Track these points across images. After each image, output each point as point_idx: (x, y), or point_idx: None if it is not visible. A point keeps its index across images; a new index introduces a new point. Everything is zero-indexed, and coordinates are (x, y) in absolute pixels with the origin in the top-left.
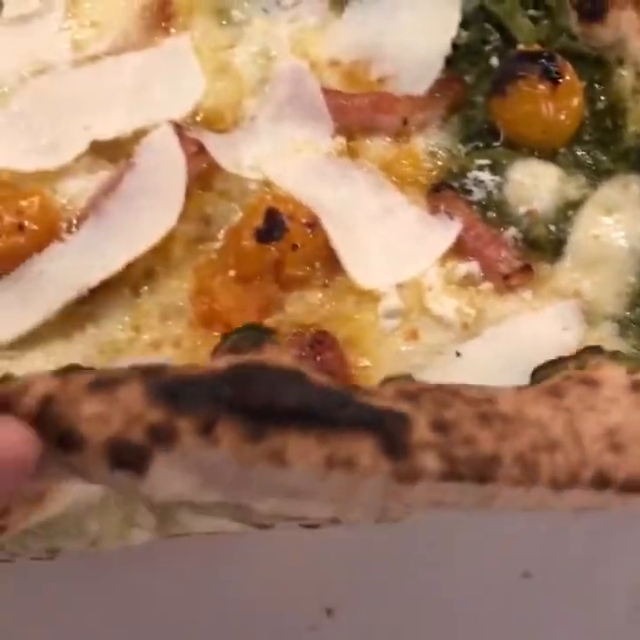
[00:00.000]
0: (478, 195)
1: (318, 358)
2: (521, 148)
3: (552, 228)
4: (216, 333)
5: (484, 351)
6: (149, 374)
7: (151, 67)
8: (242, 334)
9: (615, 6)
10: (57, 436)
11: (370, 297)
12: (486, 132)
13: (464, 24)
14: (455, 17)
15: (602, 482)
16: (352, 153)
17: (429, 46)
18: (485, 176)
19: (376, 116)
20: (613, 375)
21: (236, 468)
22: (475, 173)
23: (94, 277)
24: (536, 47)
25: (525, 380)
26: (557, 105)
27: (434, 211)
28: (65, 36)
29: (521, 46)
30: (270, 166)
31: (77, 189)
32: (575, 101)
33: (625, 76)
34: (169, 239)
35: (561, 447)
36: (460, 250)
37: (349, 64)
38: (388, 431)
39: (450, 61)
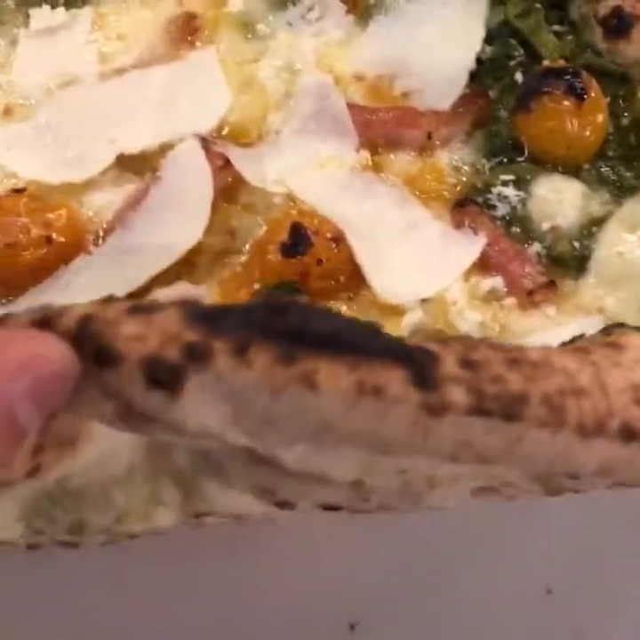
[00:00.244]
0: (502, 210)
1: None
2: (545, 163)
3: (576, 244)
4: None
5: None
6: (186, 304)
7: (177, 80)
8: (276, 288)
9: None
10: (94, 353)
11: (394, 311)
12: (510, 147)
13: (488, 39)
14: (480, 32)
15: (628, 434)
16: (376, 167)
17: (454, 61)
18: (509, 191)
19: (400, 131)
20: (639, 342)
21: (266, 397)
22: (499, 189)
23: (121, 290)
24: (561, 63)
25: None
26: (582, 121)
27: (458, 226)
28: (91, 49)
29: (546, 62)
30: (295, 180)
31: (104, 202)
32: (600, 118)
33: None
34: (194, 252)
35: (587, 395)
36: (484, 265)
37: (374, 78)
38: (418, 363)
39: (474, 76)
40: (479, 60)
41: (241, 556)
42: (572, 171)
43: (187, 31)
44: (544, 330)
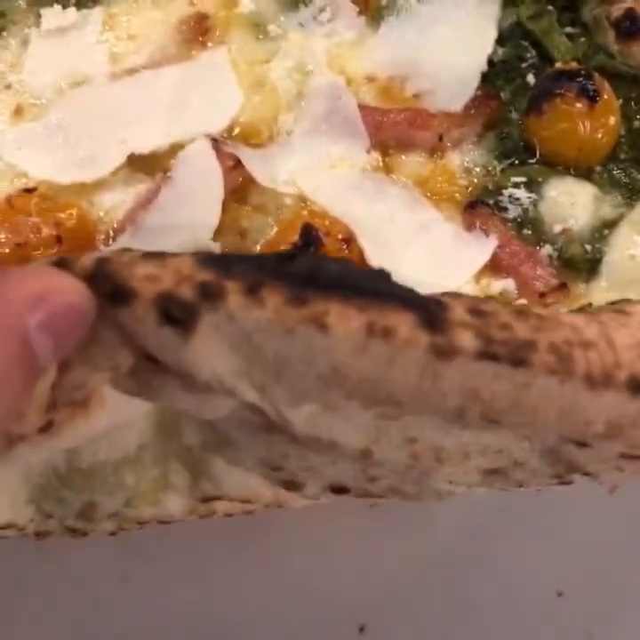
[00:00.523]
0: (514, 212)
1: None
2: (557, 165)
3: (588, 246)
4: None
5: None
6: (199, 252)
7: (188, 81)
8: None
9: None
10: (109, 292)
11: None
12: (522, 149)
13: (500, 41)
14: (492, 33)
15: (636, 386)
16: (387, 169)
17: (466, 63)
18: (521, 193)
19: (412, 132)
20: None
21: (277, 339)
22: (510, 190)
23: None
24: (573, 65)
25: None
26: (594, 123)
27: (469, 227)
28: (102, 49)
29: (558, 64)
30: (306, 181)
31: (114, 202)
32: (612, 120)
33: None
34: None
35: (595, 347)
36: (495, 267)
37: (385, 80)
38: (427, 308)
39: (486, 78)
40: (491, 62)
41: (250, 556)
42: (584, 173)
43: (198, 31)
44: None
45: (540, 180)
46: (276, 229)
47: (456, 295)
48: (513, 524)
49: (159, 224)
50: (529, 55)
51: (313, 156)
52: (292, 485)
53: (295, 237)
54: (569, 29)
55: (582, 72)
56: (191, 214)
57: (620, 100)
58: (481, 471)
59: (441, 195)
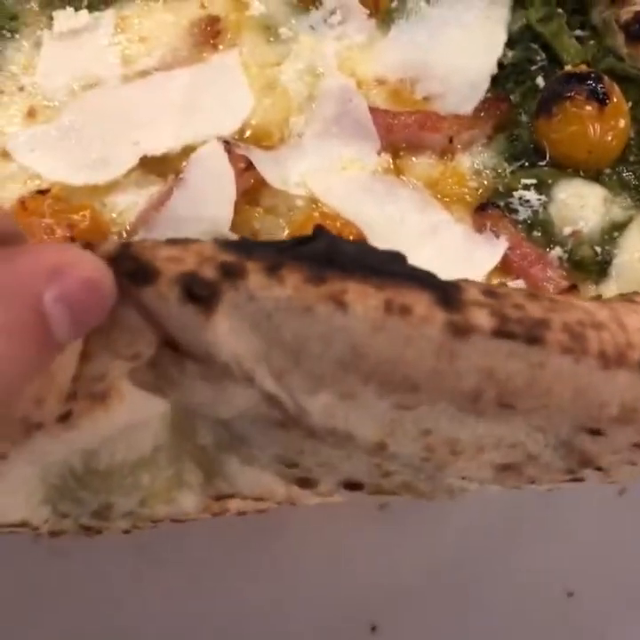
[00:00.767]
0: (524, 214)
1: None
2: (566, 168)
3: (597, 249)
4: None
5: None
6: (219, 239)
7: (200, 83)
8: None
9: None
10: (132, 271)
11: None
12: (532, 151)
13: (510, 43)
14: (501, 36)
15: None
16: (398, 171)
17: (476, 65)
18: (531, 195)
19: (422, 135)
20: None
21: (296, 318)
22: (520, 192)
23: None
24: (582, 68)
25: None
26: (604, 126)
27: (480, 229)
28: (115, 51)
29: (567, 67)
30: (317, 183)
31: (127, 204)
32: (622, 123)
33: None
34: None
35: (607, 328)
36: (505, 268)
37: (395, 82)
38: (442, 288)
39: (495, 81)
40: (501, 65)
41: (262, 556)
42: (594, 175)
43: (209, 34)
44: None
45: (549, 182)
46: (287, 231)
47: (470, 281)
48: (524, 525)
49: (172, 225)
50: (538, 58)
51: (324, 158)
52: (306, 482)
53: None
54: (578, 32)
55: (592, 75)
56: (203, 216)
57: (630, 103)
58: (494, 466)
59: (451, 196)
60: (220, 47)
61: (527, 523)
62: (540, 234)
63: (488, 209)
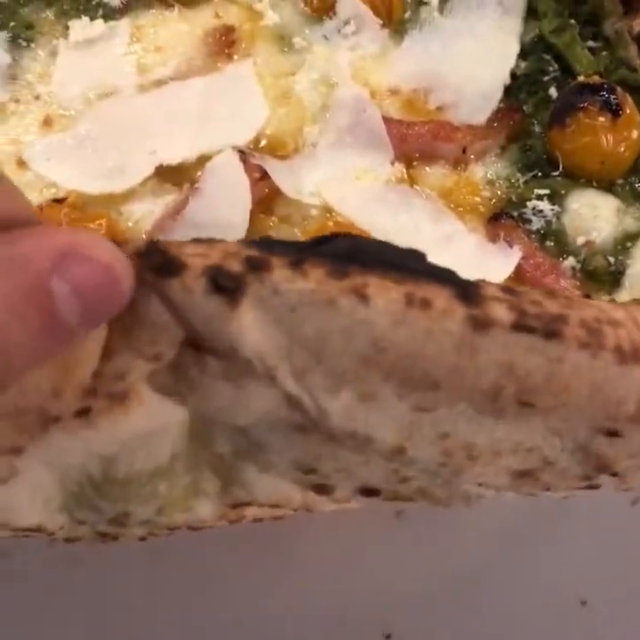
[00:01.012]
0: (537, 224)
1: None
2: (579, 178)
3: (610, 259)
4: None
5: None
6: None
7: (215, 92)
8: None
9: None
10: (159, 264)
11: None
12: (545, 161)
13: (523, 54)
14: (514, 47)
15: None
16: (411, 180)
17: (489, 76)
18: (544, 205)
19: (435, 145)
20: None
21: (319, 312)
22: (534, 203)
23: None
24: (595, 78)
25: None
26: (617, 137)
27: (493, 239)
28: (130, 60)
29: (580, 77)
30: (331, 193)
31: (143, 212)
32: (635, 133)
33: None
34: None
35: (623, 325)
36: (519, 278)
37: (409, 92)
38: (461, 284)
39: (508, 91)
40: (514, 75)
41: (276, 562)
42: (606, 186)
43: (224, 44)
44: None
45: (562, 192)
46: (301, 240)
47: (487, 281)
48: (538, 533)
49: (187, 234)
50: (551, 69)
51: (338, 168)
52: (322, 489)
53: None
54: (591, 43)
55: (605, 86)
56: (219, 224)
57: None
58: (511, 472)
59: (465, 206)
60: (235, 57)
61: (541, 531)
62: (553, 244)
63: (501, 219)
